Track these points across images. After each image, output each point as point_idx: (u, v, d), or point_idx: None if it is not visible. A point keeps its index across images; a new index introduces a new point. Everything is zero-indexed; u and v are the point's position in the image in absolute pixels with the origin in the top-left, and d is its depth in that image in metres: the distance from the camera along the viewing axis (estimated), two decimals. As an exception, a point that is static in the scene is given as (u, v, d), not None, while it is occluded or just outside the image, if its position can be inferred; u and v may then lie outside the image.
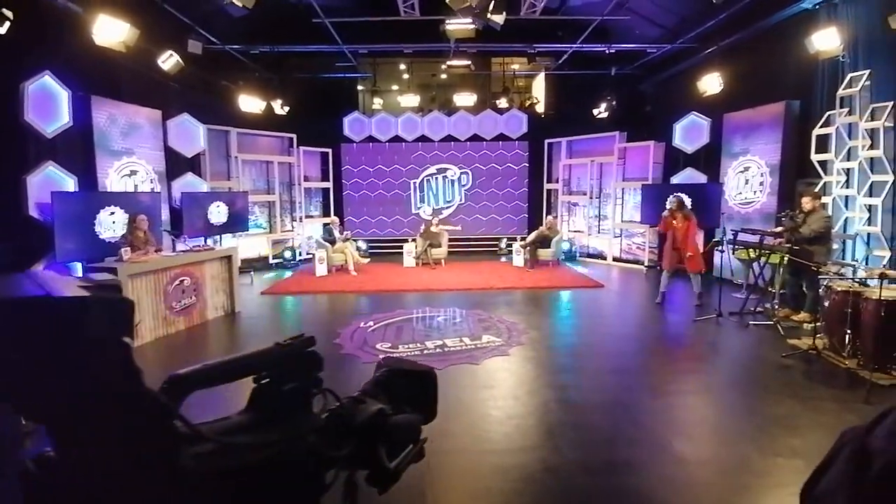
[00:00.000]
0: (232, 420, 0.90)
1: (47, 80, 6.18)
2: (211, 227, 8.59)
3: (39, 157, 6.23)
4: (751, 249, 6.38)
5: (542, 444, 3.35)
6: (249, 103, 9.97)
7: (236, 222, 9.14)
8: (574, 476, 2.98)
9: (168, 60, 7.42)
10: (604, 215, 11.37)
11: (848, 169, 6.60)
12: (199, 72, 9.13)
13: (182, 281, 6.23)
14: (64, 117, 6.39)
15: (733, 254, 7.18)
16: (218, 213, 8.70)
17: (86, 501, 0.68)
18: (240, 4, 5.41)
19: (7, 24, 5.20)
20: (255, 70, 10.43)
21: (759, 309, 6.39)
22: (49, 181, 6.22)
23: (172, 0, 6.97)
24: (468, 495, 2.86)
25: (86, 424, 0.67)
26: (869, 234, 6.25)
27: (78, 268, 6.22)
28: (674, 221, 6.87)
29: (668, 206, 6.93)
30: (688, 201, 7.47)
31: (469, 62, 9.92)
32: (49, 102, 6.24)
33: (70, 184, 6.46)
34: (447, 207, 12.63)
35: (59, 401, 0.65)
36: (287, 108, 10.98)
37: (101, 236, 6.54)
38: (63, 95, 6.37)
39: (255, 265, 10.26)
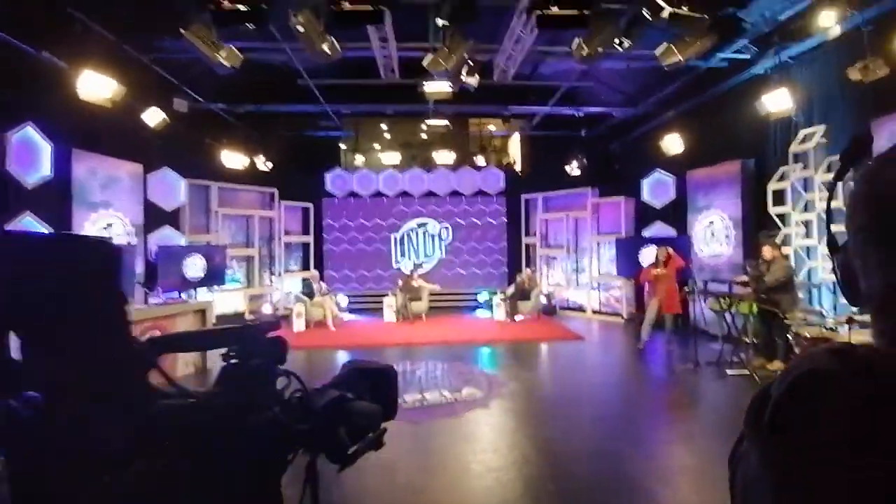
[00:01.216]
0: (200, 391, 1.01)
1: (29, 131, 6.24)
2: (186, 280, 8.44)
3: (18, 207, 6.15)
4: (721, 299, 6.55)
5: (522, 498, 3.24)
6: (232, 159, 10.12)
7: (213, 276, 9.00)
8: (556, 529, 2.88)
9: (153, 117, 7.57)
10: (581, 268, 11.60)
11: (807, 221, 6.94)
12: (182, 128, 9.30)
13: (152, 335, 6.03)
14: (45, 169, 6.41)
15: (705, 304, 7.34)
16: (194, 266, 8.58)
17: (57, 438, 0.78)
18: (228, 65, 5.65)
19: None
20: (239, 127, 10.69)
21: (734, 359, 6.47)
22: (22, 233, 6.12)
23: (160, 59, 7.21)
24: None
25: (70, 346, 0.82)
26: (835, 283, 6.48)
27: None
28: (655, 270, 7.11)
29: (659, 258, 7.17)
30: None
31: (447, 122, 10.41)
32: (31, 153, 6.27)
33: (43, 236, 6.36)
34: (427, 261, 12.72)
35: (54, 320, 0.81)
36: (270, 164, 11.18)
37: (70, 289, 6.37)
38: (45, 147, 6.41)
39: (232, 321, 10.02)
